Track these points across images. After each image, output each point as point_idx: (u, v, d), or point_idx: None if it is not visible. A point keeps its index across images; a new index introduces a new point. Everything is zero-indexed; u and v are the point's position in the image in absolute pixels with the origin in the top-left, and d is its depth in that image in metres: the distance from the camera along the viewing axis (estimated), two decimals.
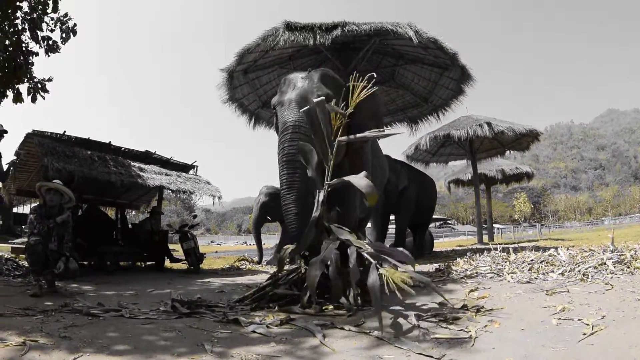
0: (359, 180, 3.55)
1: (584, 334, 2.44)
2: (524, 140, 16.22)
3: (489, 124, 14.22)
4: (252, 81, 9.51)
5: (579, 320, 2.73)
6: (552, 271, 4.57)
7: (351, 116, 4.24)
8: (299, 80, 4.72)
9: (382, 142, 6.14)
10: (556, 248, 5.59)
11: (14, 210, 22.18)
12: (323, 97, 4.02)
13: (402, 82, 10.23)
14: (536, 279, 4.39)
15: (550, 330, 2.63)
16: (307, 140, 4.12)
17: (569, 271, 4.43)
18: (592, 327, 2.54)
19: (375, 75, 4.39)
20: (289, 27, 7.21)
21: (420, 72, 9.80)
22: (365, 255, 3.33)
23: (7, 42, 6.40)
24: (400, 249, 3.49)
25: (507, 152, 18.09)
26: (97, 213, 9.37)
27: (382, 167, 6.38)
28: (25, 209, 22.84)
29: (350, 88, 4.10)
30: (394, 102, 10.77)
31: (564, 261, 4.86)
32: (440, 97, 10.07)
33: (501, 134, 14.44)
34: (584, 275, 4.21)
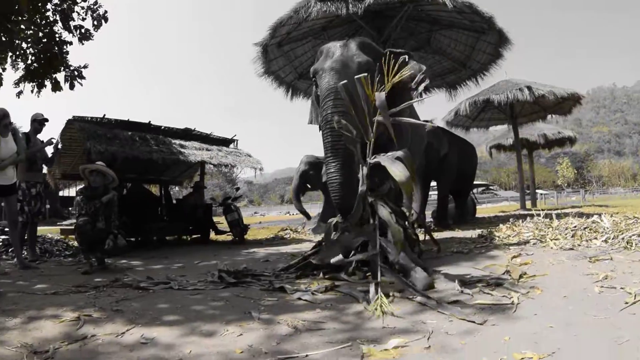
0: (394, 166, 3.40)
1: (626, 303, 2.42)
2: (565, 104, 15.61)
3: (529, 88, 13.77)
4: (286, 53, 9.49)
5: (621, 288, 2.71)
6: (596, 238, 4.53)
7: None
8: (337, 49, 4.68)
9: (421, 109, 6.05)
10: (600, 215, 5.50)
11: (60, 193, 23.40)
12: (366, 74, 3.94)
13: (439, 47, 9.99)
14: (579, 245, 4.35)
15: (592, 298, 2.62)
16: (348, 107, 4.12)
17: (613, 238, 4.37)
18: (635, 296, 2.50)
19: (407, 57, 4.35)
20: None
21: (457, 37, 9.53)
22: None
23: (41, 34, 6.62)
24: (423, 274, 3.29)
25: (549, 117, 17.46)
26: (141, 191, 9.62)
27: (421, 134, 6.31)
28: (71, 192, 24.09)
29: (385, 67, 4.03)
30: (431, 68, 10.54)
31: (608, 228, 4.79)
32: (478, 61, 9.81)
33: (542, 97, 13.95)
34: (627, 243, 4.15)
